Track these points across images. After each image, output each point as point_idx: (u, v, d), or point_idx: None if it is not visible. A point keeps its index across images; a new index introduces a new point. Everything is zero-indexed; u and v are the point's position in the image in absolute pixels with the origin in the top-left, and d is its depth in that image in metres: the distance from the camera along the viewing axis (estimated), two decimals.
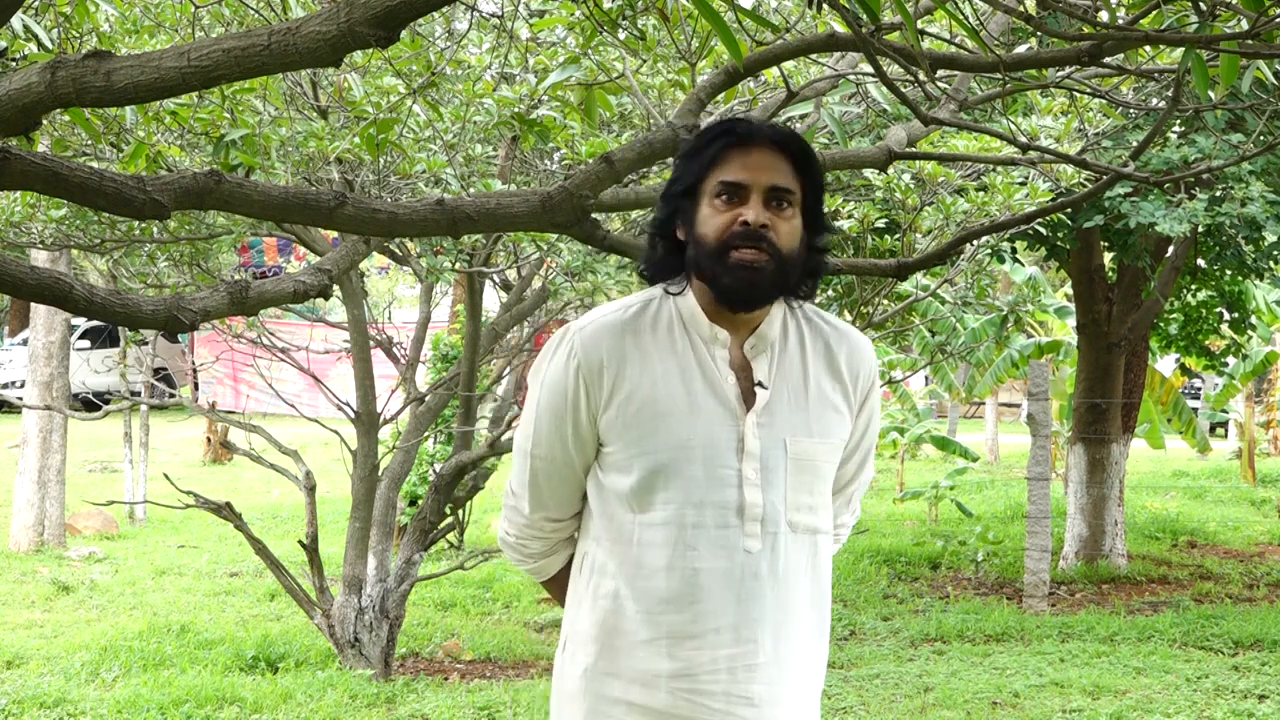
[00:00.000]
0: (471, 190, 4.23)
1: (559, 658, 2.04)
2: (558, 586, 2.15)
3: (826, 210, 2.03)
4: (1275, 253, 8.59)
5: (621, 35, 3.13)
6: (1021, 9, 2.42)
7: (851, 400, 2.03)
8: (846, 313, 8.36)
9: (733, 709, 1.91)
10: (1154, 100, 6.29)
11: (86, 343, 22.10)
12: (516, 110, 3.69)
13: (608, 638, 1.94)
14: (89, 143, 4.44)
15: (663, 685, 1.91)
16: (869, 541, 10.59)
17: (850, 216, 5.32)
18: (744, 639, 1.91)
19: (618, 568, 1.93)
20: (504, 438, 6.75)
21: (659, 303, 1.97)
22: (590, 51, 3.40)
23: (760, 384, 1.94)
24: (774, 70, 3.51)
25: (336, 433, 6.73)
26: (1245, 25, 1.99)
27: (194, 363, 16.44)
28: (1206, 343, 12.07)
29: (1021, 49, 4.19)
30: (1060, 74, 3.14)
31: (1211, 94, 2.37)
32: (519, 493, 2.05)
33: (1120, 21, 2.25)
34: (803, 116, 3.58)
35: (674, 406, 1.90)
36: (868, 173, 5.28)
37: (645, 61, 4.32)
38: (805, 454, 1.95)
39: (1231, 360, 13.45)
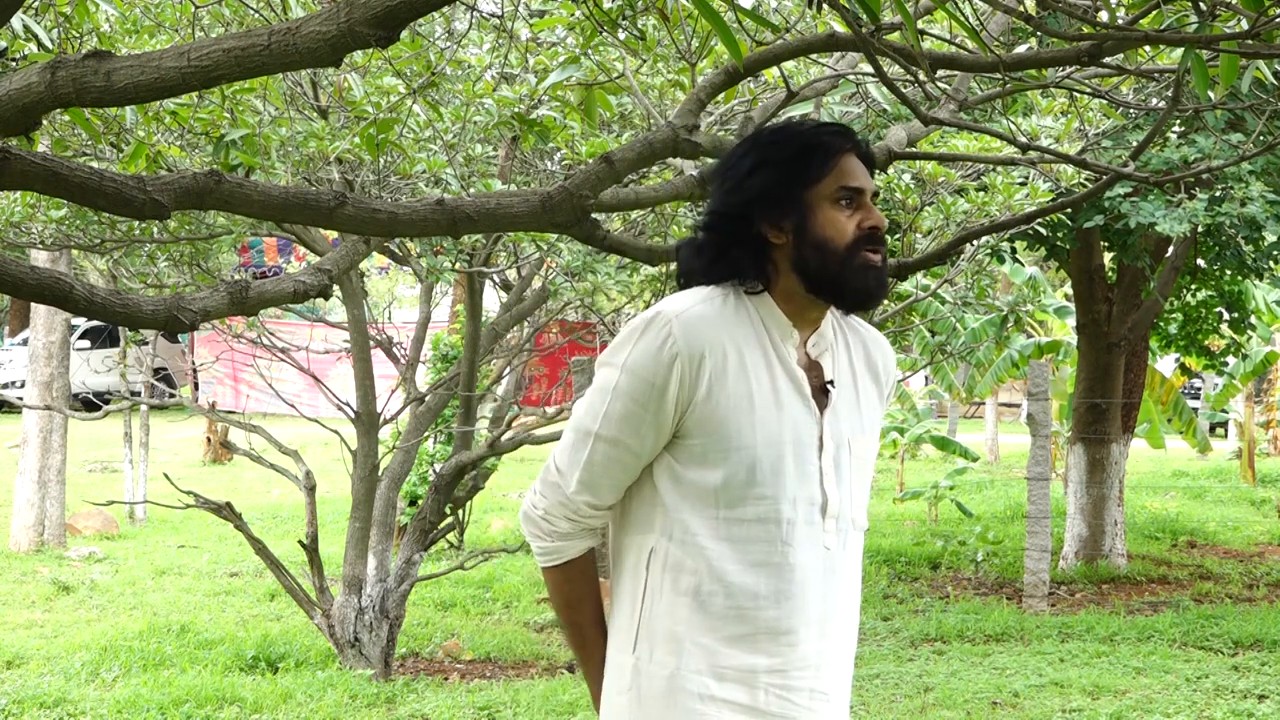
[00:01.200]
0: (471, 190, 4.23)
1: (626, 657, 1.98)
2: (561, 576, 2.08)
3: None
4: (1275, 253, 8.59)
5: (621, 35, 3.13)
6: (1021, 9, 2.42)
7: (883, 399, 2.11)
8: None
9: (814, 704, 1.95)
10: (1154, 100, 6.29)
11: (86, 343, 22.08)
12: (516, 110, 3.69)
13: (695, 635, 1.92)
14: (89, 143, 4.44)
15: (760, 682, 1.91)
16: (869, 541, 10.58)
17: None
18: (826, 634, 1.95)
19: (702, 564, 1.91)
20: (504, 438, 6.75)
21: (735, 298, 1.96)
22: (590, 51, 3.40)
23: (831, 382, 1.98)
24: (774, 70, 3.52)
25: (336, 433, 6.73)
26: (1245, 25, 1.99)
27: (194, 363, 16.43)
28: (1206, 343, 12.06)
29: (1021, 49, 4.19)
30: (1060, 74, 3.14)
31: (1211, 94, 2.38)
32: (566, 471, 1.99)
33: (1120, 21, 2.26)
34: (803, 116, 3.58)
35: (764, 401, 1.91)
36: None
37: (645, 61, 4.32)
38: (863, 452, 2.01)
39: (1231, 360, 13.44)
